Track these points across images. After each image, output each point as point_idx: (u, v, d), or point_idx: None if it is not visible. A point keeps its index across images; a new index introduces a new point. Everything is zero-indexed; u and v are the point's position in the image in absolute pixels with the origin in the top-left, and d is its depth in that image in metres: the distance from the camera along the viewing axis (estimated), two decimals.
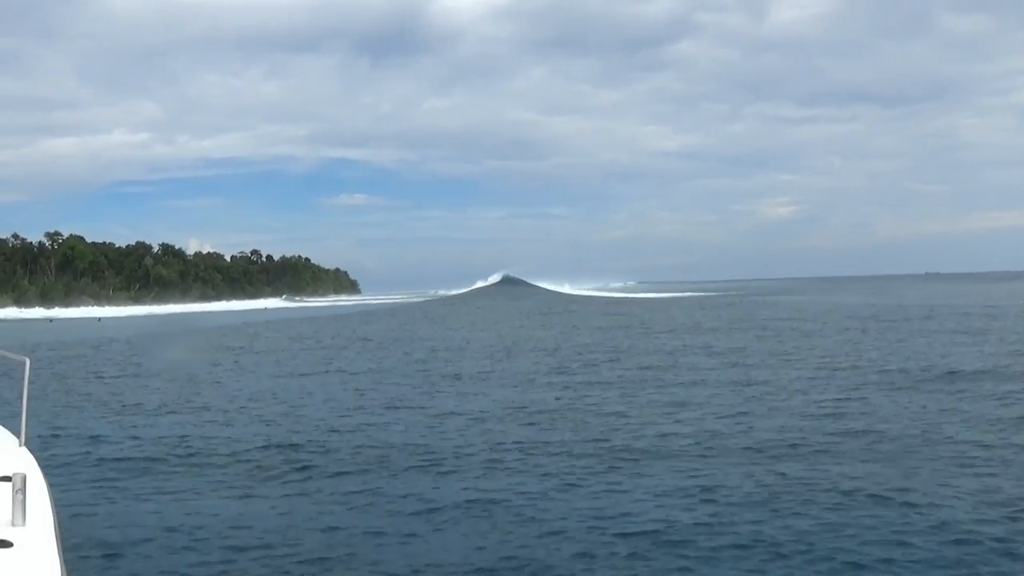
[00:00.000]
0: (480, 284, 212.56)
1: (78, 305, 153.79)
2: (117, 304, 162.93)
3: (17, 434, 5.17)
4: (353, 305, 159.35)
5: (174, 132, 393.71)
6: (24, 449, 5.00)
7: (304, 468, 16.80)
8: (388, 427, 21.57)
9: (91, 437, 20.61)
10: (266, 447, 19.08)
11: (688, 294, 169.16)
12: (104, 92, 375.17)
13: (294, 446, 19.02)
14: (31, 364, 5.32)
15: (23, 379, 5.24)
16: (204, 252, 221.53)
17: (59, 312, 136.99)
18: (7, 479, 3.71)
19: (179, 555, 11.37)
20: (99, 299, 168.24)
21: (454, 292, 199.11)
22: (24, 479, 3.55)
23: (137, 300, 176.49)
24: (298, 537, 12.11)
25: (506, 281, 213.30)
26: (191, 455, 18.45)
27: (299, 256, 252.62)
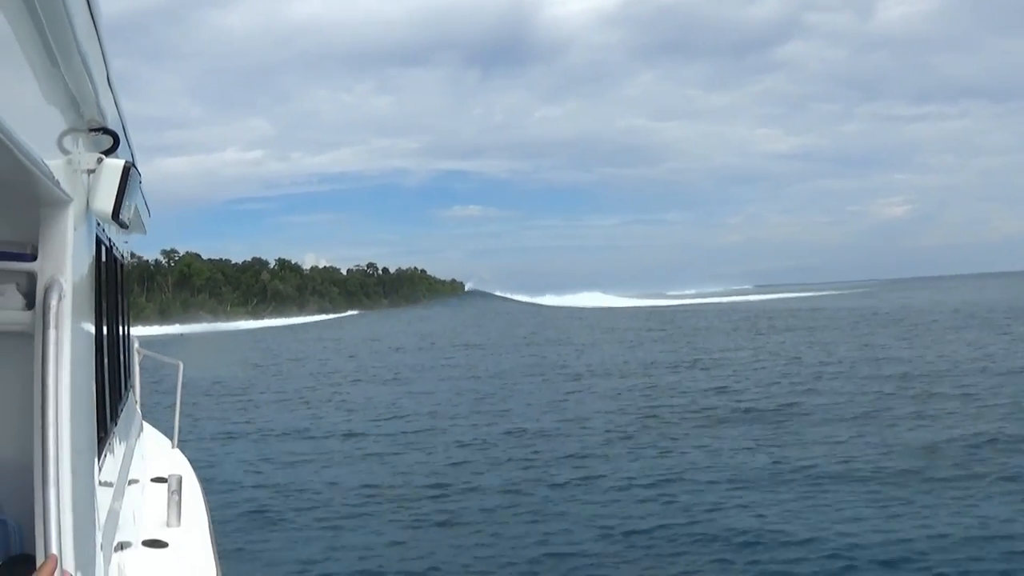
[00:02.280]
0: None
1: (196, 321, 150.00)
2: (234, 319, 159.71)
3: (170, 436, 5.93)
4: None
5: (287, 148, 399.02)
6: (177, 451, 5.73)
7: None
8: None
9: (240, 437, 21.12)
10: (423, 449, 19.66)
11: (811, 294, 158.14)
12: (216, 111, 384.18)
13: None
14: (183, 368, 5.95)
15: (176, 383, 5.94)
16: (320, 266, 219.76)
17: (181, 328, 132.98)
18: (162, 480, 4.18)
19: (332, 556, 11.70)
20: (216, 314, 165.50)
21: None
22: (179, 480, 3.94)
23: (254, 315, 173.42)
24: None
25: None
26: (341, 453, 19.26)
27: (415, 268, 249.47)
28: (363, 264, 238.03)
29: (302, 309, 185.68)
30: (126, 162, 2.66)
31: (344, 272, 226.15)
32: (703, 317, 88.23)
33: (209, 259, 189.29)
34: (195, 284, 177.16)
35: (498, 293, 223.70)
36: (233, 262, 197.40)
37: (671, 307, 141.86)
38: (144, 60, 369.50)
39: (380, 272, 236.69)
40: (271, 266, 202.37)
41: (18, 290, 2.65)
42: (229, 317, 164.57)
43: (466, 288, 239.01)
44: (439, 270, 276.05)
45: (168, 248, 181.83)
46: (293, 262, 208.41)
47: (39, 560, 2.21)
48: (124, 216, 2.67)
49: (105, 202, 2.61)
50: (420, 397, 30.30)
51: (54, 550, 2.15)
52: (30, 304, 2.62)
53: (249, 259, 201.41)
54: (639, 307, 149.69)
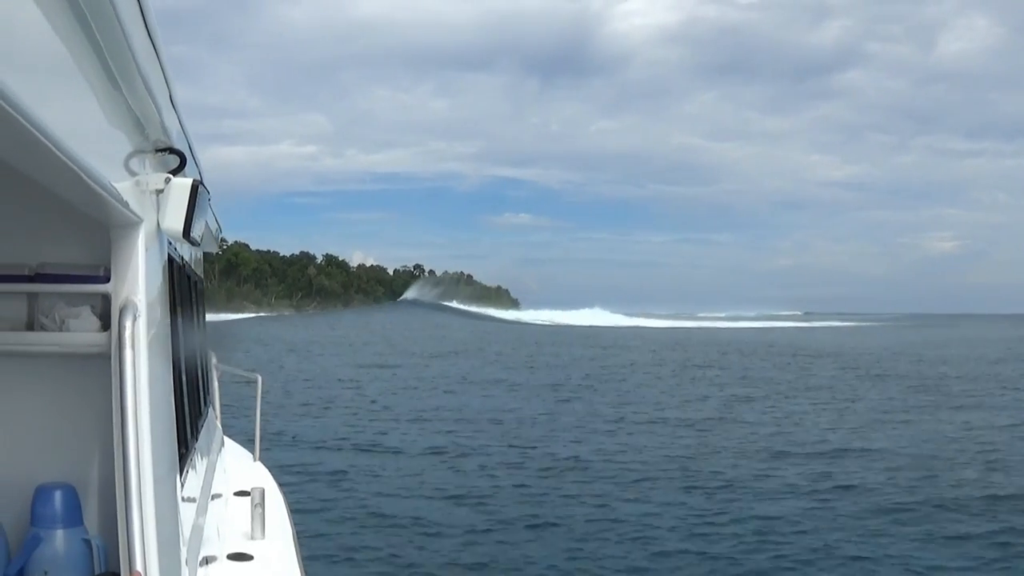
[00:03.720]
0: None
1: (240, 311, 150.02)
2: (279, 311, 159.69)
3: (251, 450, 5.85)
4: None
5: (342, 145, 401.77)
6: (259, 464, 5.70)
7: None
8: None
9: (319, 448, 20.58)
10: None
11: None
12: (274, 103, 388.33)
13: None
14: (263, 382, 6.05)
15: (256, 396, 6.06)
16: (367, 265, 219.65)
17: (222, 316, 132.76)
18: (245, 494, 4.15)
19: (417, 565, 11.48)
20: (260, 305, 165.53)
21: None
22: (263, 493, 3.86)
23: (298, 309, 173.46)
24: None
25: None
26: (423, 459, 19.28)
27: (461, 272, 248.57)
28: (410, 265, 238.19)
29: (346, 307, 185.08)
30: (194, 180, 2.69)
31: (391, 272, 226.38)
32: (691, 341, 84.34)
33: (257, 250, 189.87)
34: (242, 273, 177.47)
35: (455, 305, 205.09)
36: (281, 255, 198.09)
37: (672, 328, 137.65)
38: (207, 47, 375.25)
39: (426, 274, 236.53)
40: (318, 261, 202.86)
41: (93, 312, 2.68)
42: (273, 308, 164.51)
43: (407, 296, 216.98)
44: (485, 276, 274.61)
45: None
46: (340, 259, 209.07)
47: None
48: (195, 234, 2.69)
49: (175, 221, 2.63)
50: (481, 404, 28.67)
51: (139, 567, 2.18)
52: (105, 326, 2.63)
53: (297, 253, 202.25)
54: (637, 327, 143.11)
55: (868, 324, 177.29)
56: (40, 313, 2.77)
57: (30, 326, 2.78)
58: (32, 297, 2.78)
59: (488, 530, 13.37)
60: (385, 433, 22.85)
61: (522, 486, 16.38)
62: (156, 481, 2.34)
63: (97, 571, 2.82)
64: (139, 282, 2.50)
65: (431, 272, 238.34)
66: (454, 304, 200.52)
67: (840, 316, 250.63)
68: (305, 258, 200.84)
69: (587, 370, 44.45)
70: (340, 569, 11.33)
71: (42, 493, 2.81)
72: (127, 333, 2.34)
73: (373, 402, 29.80)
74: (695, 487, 16.43)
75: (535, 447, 20.79)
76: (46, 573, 2.76)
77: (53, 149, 1.43)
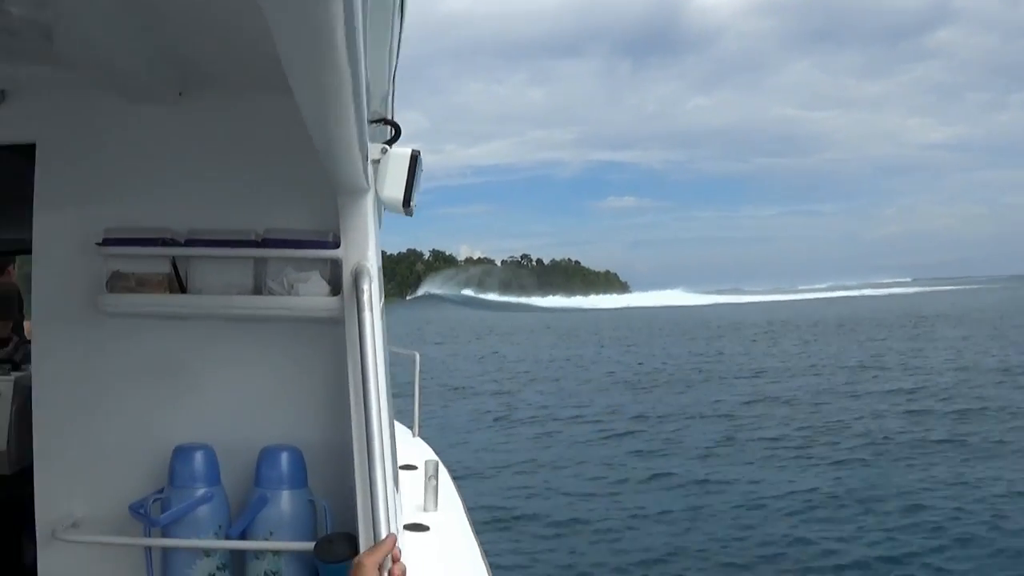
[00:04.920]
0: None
1: None
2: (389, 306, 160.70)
3: (410, 426, 5.94)
4: None
5: (441, 141, 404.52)
6: (419, 439, 5.79)
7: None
8: None
9: (471, 421, 20.95)
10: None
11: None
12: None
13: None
14: (420, 358, 6.19)
15: (414, 373, 6.16)
16: (474, 258, 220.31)
17: None
18: (410, 467, 4.39)
19: (594, 537, 11.47)
20: None
21: None
22: (436, 466, 3.97)
23: (410, 308, 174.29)
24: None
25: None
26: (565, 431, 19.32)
27: (569, 259, 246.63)
28: (517, 255, 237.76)
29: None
30: (413, 150, 2.82)
31: (498, 263, 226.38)
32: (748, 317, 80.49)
33: None
34: None
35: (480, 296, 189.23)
36: (388, 253, 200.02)
37: (744, 304, 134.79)
38: None
39: (534, 263, 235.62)
40: (425, 257, 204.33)
41: (323, 276, 2.77)
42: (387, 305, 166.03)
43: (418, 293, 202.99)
44: (593, 261, 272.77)
45: None
46: (447, 253, 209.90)
47: (363, 539, 2.42)
48: (413, 203, 2.83)
49: (395, 190, 2.76)
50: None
51: (383, 530, 2.24)
52: (334, 290, 2.75)
53: (404, 250, 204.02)
54: (706, 304, 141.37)
55: (979, 287, 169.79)
56: (268, 278, 2.86)
57: (258, 290, 2.85)
58: (260, 262, 2.87)
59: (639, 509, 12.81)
60: (516, 407, 23.11)
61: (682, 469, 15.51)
62: (391, 444, 2.51)
63: (322, 532, 2.80)
64: (369, 247, 2.69)
65: (539, 261, 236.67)
66: (479, 295, 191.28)
67: (949, 280, 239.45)
68: (412, 255, 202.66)
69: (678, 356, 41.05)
70: (509, 538, 11.30)
71: (267, 455, 2.86)
72: (365, 297, 2.49)
73: (501, 383, 29.67)
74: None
75: (664, 428, 19.81)
76: (272, 533, 2.78)
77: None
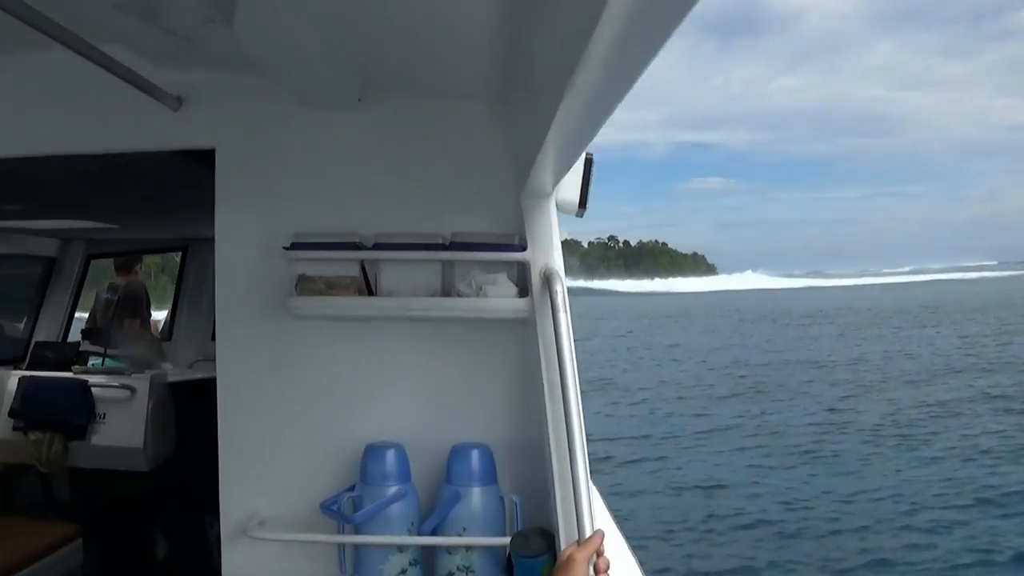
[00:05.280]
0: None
1: None
2: None
3: None
4: None
5: None
6: None
7: None
8: None
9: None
10: None
11: None
12: None
13: None
14: None
15: None
16: (562, 239, 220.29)
17: None
18: None
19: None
20: None
21: None
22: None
23: None
24: None
25: None
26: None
27: (655, 241, 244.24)
28: (604, 237, 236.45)
29: None
30: (587, 154, 2.92)
31: (585, 245, 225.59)
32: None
33: None
34: None
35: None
36: None
37: (832, 288, 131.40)
38: None
39: (620, 245, 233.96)
40: None
41: (509, 278, 2.84)
42: None
43: None
44: (679, 242, 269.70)
45: None
46: None
47: (564, 535, 2.50)
48: (586, 207, 2.98)
49: (571, 192, 2.98)
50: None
51: (586, 525, 2.27)
52: (521, 292, 2.82)
53: None
54: (794, 288, 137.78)
55: None
56: (457, 280, 2.92)
57: (446, 293, 2.94)
58: (448, 265, 2.94)
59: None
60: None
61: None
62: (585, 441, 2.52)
63: (512, 528, 2.84)
64: (554, 249, 2.79)
65: (626, 243, 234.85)
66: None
67: None
68: None
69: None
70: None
71: (458, 452, 2.92)
72: (558, 298, 2.57)
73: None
74: None
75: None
76: (464, 529, 2.84)
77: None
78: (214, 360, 3.04)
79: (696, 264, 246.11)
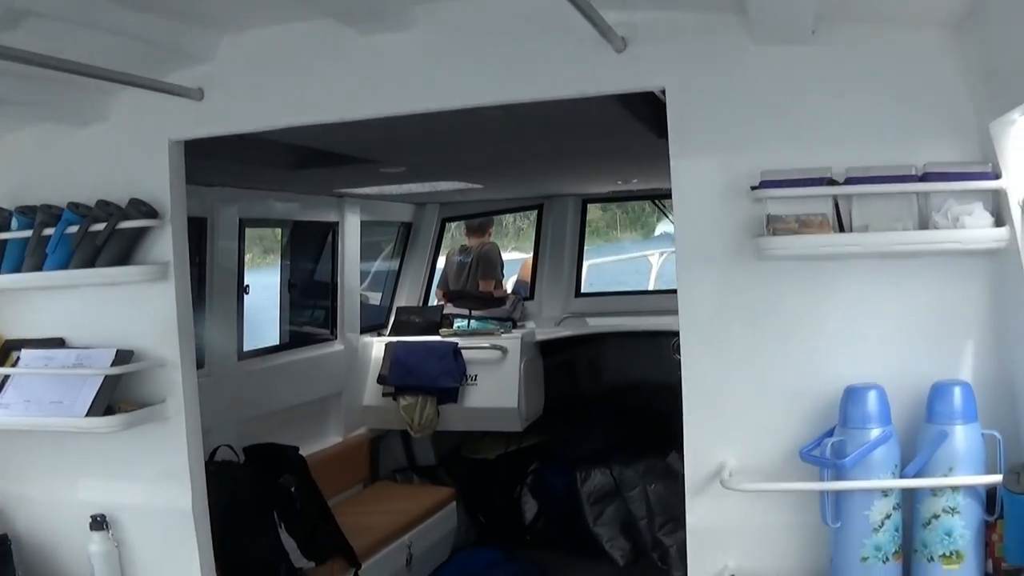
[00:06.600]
0: None
1: None
2: None
3: None
4: None
5: None
6: None
7: None
8: None
9: None
10: None
11: None
12: None
13: None
14: None
15: None
16: None
17: None
18: None
19: None
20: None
21: None
22: None
23: None
24: None
25: None
26: None
27: None
28: None
29: None
30: None
31: None
32: None
33: None
34: None
35: None
36: None
37: None
38: None
39: None
40: None
41: (985, 208, 2.73)
42: None
43: None
44: None
45: None
46: None
47: None
48: None
49: None
50: None
51: None
52: (998, 222, 2.73)
53: None
54: None
55: None
56: (933, 211, 2.80)
57: (923, 225, 2.82)
58: (922, 197, 2.81)
59: None
60: None
61: None
62: None
63: (994, 466, 2.74)
64: None
65: None
66: None
67: None
68: None
69: None
70: None
71: (939, 390, 2.81)
72: None
73: None
74: None
75: None
76: (951, 469, 2.74)
77: None
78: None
79: None
